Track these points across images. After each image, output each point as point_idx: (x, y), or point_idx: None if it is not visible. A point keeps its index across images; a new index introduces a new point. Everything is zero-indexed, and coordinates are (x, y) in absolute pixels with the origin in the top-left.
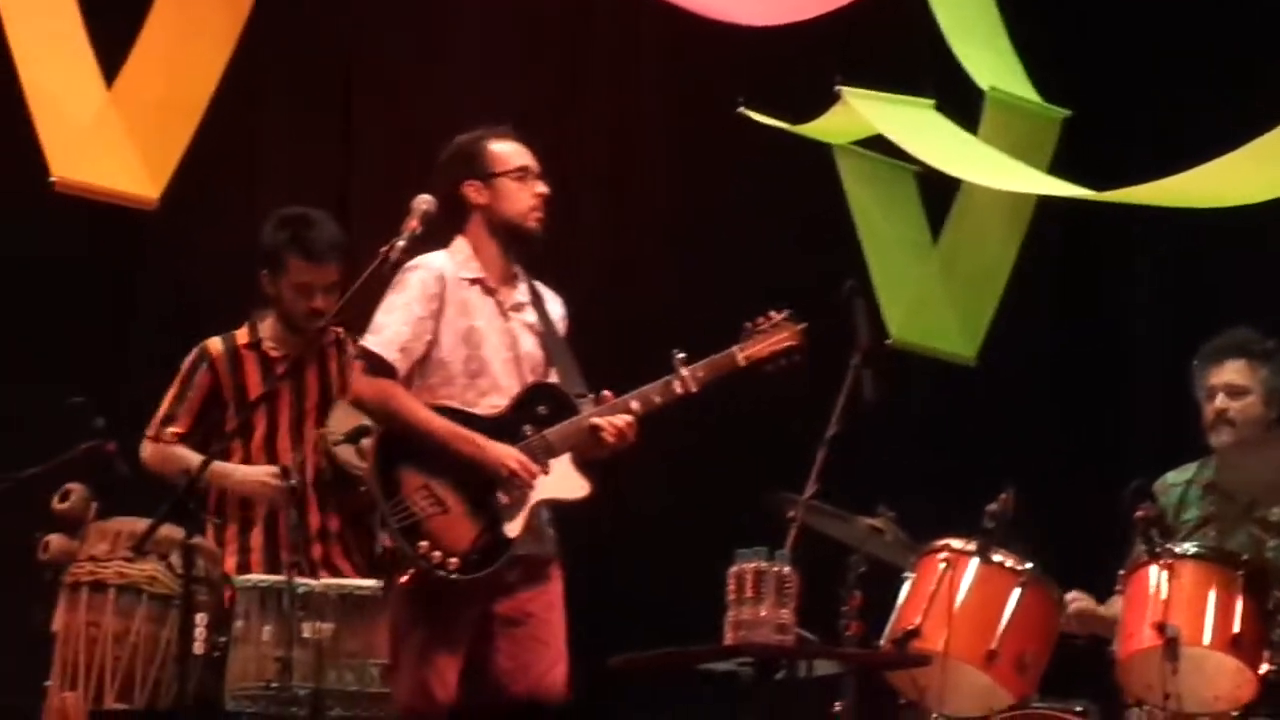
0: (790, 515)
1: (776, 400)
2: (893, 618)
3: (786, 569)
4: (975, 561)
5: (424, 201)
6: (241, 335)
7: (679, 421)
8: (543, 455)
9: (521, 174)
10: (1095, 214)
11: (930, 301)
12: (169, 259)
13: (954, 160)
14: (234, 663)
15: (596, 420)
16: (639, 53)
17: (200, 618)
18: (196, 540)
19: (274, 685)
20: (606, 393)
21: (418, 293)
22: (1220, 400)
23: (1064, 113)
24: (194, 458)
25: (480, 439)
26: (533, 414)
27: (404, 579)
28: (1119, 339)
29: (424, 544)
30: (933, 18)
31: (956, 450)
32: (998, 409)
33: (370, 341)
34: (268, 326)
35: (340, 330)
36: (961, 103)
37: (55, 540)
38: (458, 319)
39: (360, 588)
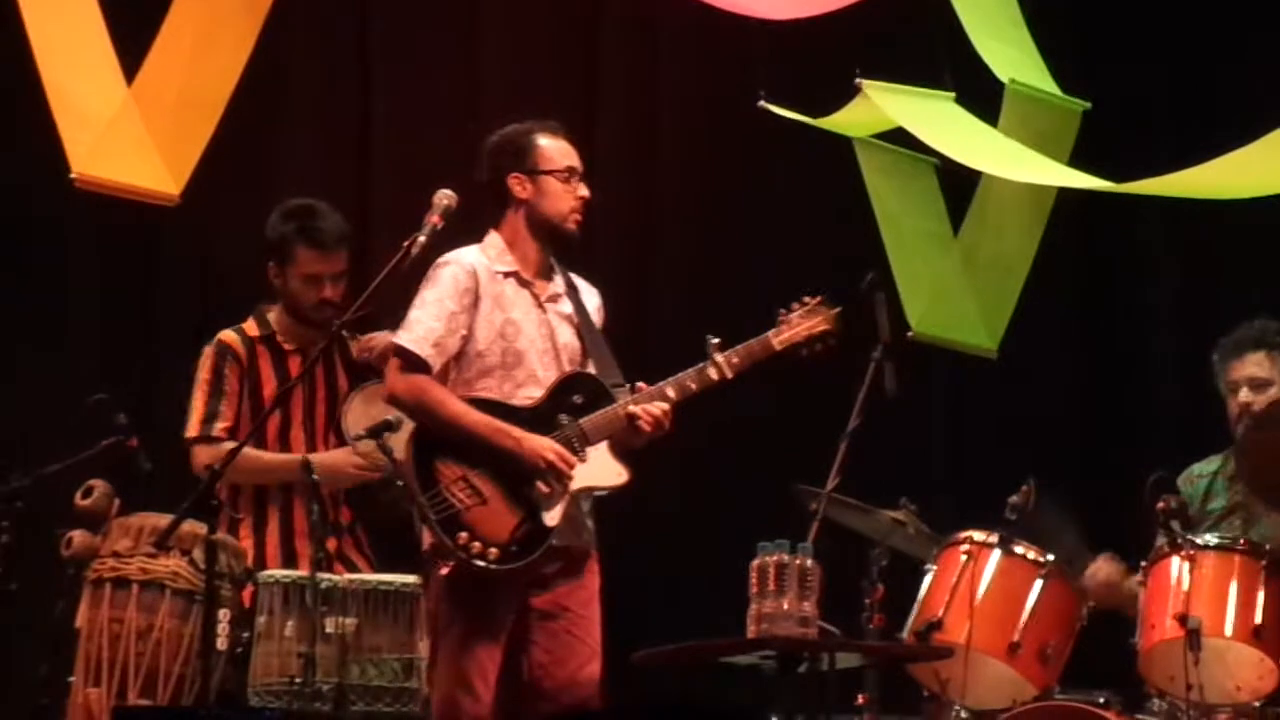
0: (812, 508)
1: (798, 393)
2: (915, 610)
3: (809, 562)
4: (997, 553)
5: (445, 196)
6: (251, 328)
7: (701, 415)
8: (579, 444)
9: (568, 174)
10: (1115, 206)
11: (951, 294)
12: (189, 255)
13: (974, 152)
14: (257, 658)
15: (633, 408)
16: (659, 48)
17: (223, 613)
18: (219, 536)
19: (297, 680)
20: (641, 384)
21: (450, 288)
22: (1244, 394)
23: (1084, 105)
24: (269, 455)
25: (516, 431)
26: (568, 403)
27: (444, 571)
28: (1139, 331)
29: (463, 535)
30: (952, 10)
31: (978, 442)
32: (1019, 401)
33: (403, 338)
34: (276, 319)
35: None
36: (981, 95)
37: (78, 536)
38: (493, 312)
39: (383, 583)
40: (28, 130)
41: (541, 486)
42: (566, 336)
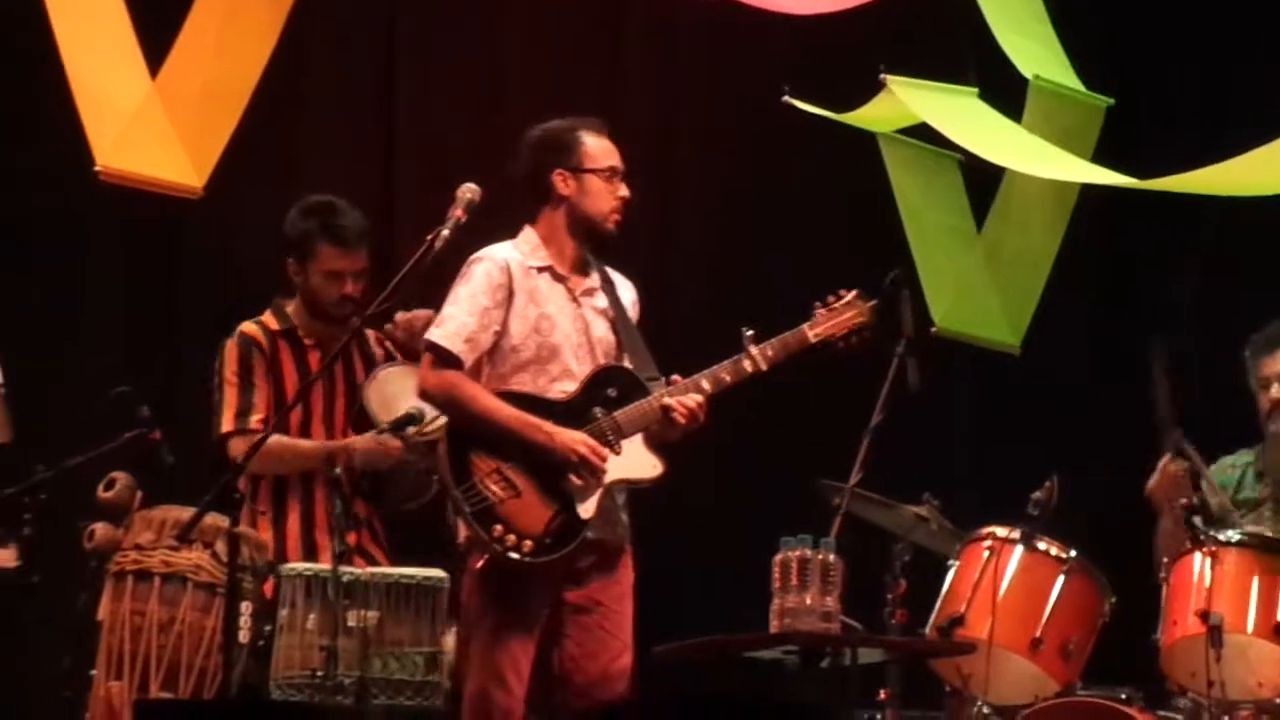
0: (835, 503)
1: (822, 388)
2: (937, 605)
3: (831, 557)
4: (1020, 549)
5: (468, 190)
6: (270, 321)
7: (724, 409)
8: (613, 437)
9: (610, 174)
10: (1139, 202)
11: (975, 290)
12: (211, 248)
13: (998, 148)
14: (279, 651)
15: (667, 400)
16: (683, 44)
17: (245, 606)
18: (242, 529)
19: (319, 674)
20: (676, 377)
21: (483, 284)
22: (1276, 389)
23: (1107, 101)
24: (304, 442)
25: (548, 425)
26: (602, 396)
27: (478, 563)
28: (1163, 327)
29: (498, 528)
30: (976, 6)
31: (1001, 438)
32: (1042, 397)
33: (435, 334)
34: (295, 313)
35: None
36: (1005, 91)
37: (100, 529)
38: (528, 307)
39: (406, 576)
40: (50, 124)
41: (575, 480)
42: (601, 331)
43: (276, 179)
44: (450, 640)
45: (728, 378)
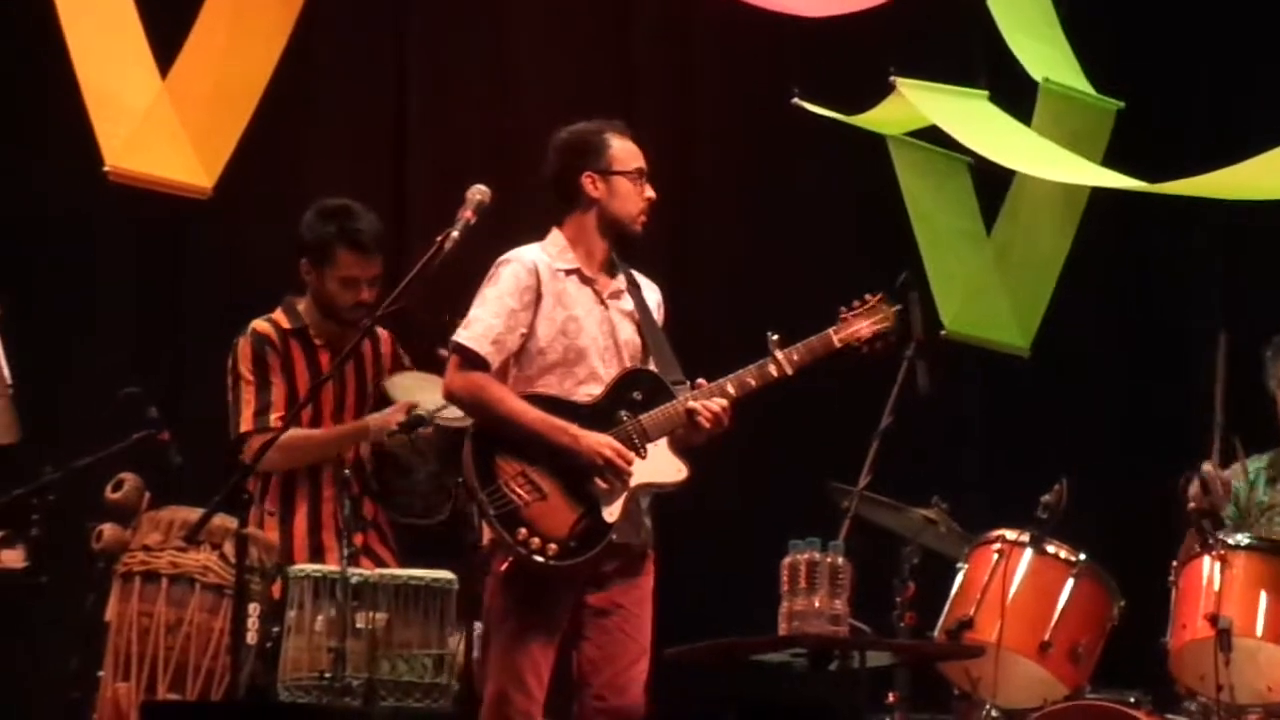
0: (844, 506)
1: (831, 391)
2: (946, 608)
3: (840, 560)
4: (1029, 552)
5: (478, 191)
6: (281, 319)
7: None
8: (639, 440)
9: (638, 176)
10: (1150, 205)
11: (984, 292)
12: (218, 248)
13: (1008, 151)
14: (287, 653)
15: (692, 404)
16: (693, 45)
17: (253, 608)
18: (250, 530)
19: (327, 675)
20: (701, 381)
21: (511, 286)
22: None
23: (1117, 104)
24: (320, 431)
25: (574, 429)
26: (628, 400)
27: (502, 566)
28: (1172, 330)
29: (522, 531)
30: (986, 9)
31: (1010, 441)
32: (1051, 400)
33: (462, 336)
34: (306, 312)
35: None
36: (1015, 94)
37: (108, 530)
38: (555, 310)
39: (414, 578)
40: (59, 125)
41: (600, 483)
42: (627, 333)
43: (285, 180)
44: (458, 642)
45: (753, 382)
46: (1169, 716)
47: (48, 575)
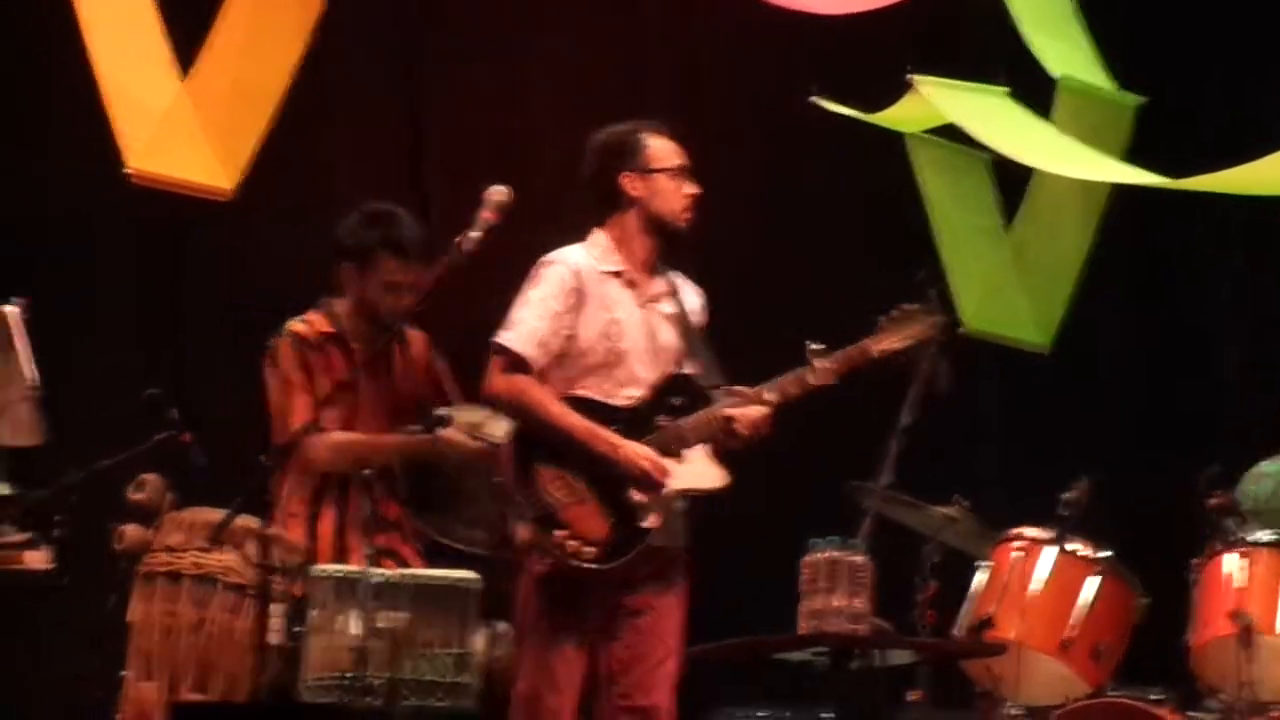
0: (864, 504)
1: (850, 389)
2: (967, 606)
3: (861, 558)
4: (1051, 550)
5: (497, 192)
6: (319, 321)
7: None
8: (676, 445)
9: (677, 172)
10: (1170, 201)
11: (1004, 289)
12: (223, 249)
13: (1027, 148)
14: (309, 653)
15: (730, 411)
16: (711, 43)
17: (276, 608)
18: (272, 530)
19: (349, 675)
20: (740, 387)
21: (555, 288)
22: None
23: (1138, 100)
24: (387, 437)
25: (614, 437)
26: (668, 404)
27: (538, 567)
28: (1194, 326)
29: (560, 534)
30: (1004, 5)
31: (1031, 438)
32: (1072, 397)
33: (506, 337)
34: (345, 316)
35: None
36: (1034, 90)
37: (131, 530)
38: (598, 312)
39: (436, 577)
40: (59, 124)
41: (636, 494)
42: (668, 337)
43: (298, 181)
44: (480, 641)
45: (793, 390)
46: (1191, 714)
47: (71, 576)
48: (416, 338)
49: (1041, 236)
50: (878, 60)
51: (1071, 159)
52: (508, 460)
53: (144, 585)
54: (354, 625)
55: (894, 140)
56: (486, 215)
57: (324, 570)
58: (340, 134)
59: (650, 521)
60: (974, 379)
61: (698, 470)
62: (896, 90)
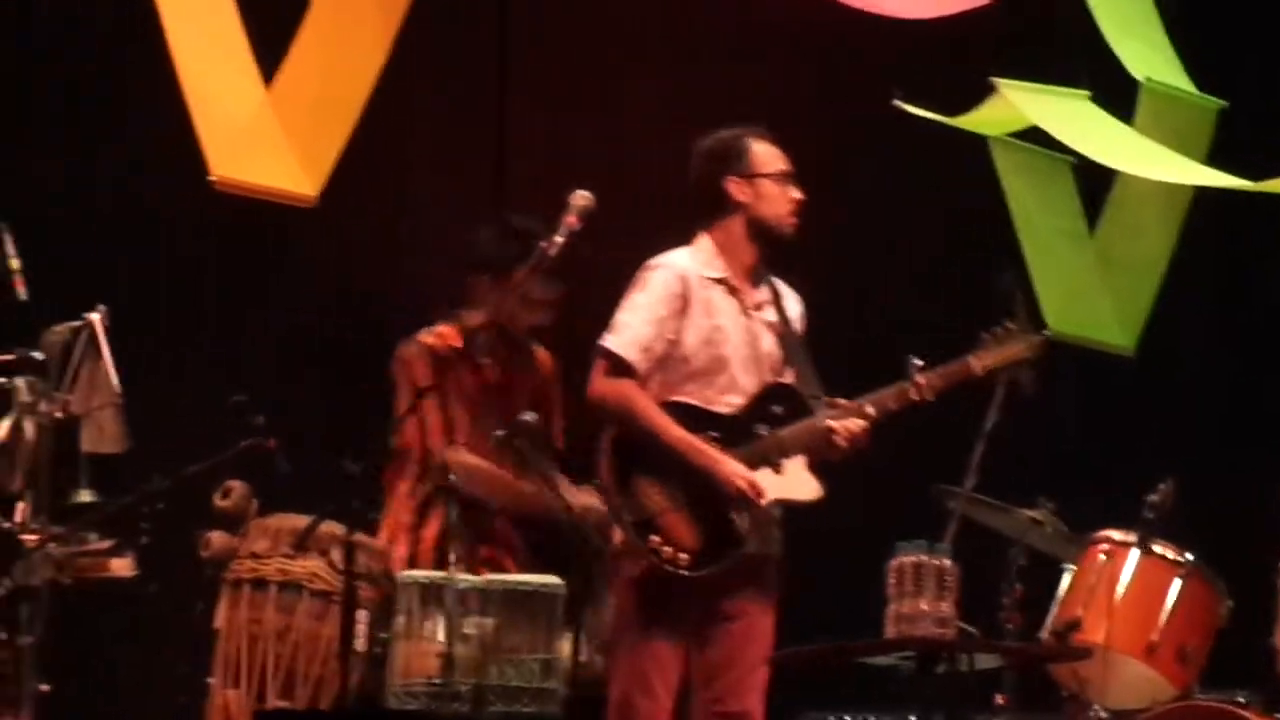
0: (950, 507)
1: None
2: (1053, 610)
3: (947, 562)
4: (1136, 553)
5: (581, 197)
6: (450, 335)
7: None
8: (775, 455)
9: (782, 177)
10: (1253, 204)
11: (1087, 292)
12: (324, 256)
13: (1110, 151)
14: (396, 659)
15: (831, 423)
16: (794, 47)
17: (362, 614)
18: (358, 537)
19: (436, 681)
20: (840, 399)
21: (661, 292)
22: None
23: (1220, 103)
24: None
25: (713, 452)
26: (768, 413)
27: (635, 572)
28: (1276, 327)
29: (656, 539)
30: (1087, 9)
31: (1116, 441)
32: (1157, 399)
33: (612, 341)
34: (479, 329)
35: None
36: (1116, 94)
37: (217, 537)
38: (701, 318)
39: (522, 583)
40: (149, 130)
41: (732, 509)
42: (769, 345)
43: (385, 188)
44: (566, 646)
45: (892, 405)
46: (1277, 717)
47: (157, 583)
48: (545, 359)
49: (1125, 239)
50: (960, 64)
51: (1154, 162)
52: (606, 464)
53: (230, 592)
54: (441, 631)
55: (982, 143)
56: (570, 220)
57: (411, 576)
58: (422, 142)
59: (746, 529)
60: (1060, 381)
61: (795, 480)
62: (979, 94)
